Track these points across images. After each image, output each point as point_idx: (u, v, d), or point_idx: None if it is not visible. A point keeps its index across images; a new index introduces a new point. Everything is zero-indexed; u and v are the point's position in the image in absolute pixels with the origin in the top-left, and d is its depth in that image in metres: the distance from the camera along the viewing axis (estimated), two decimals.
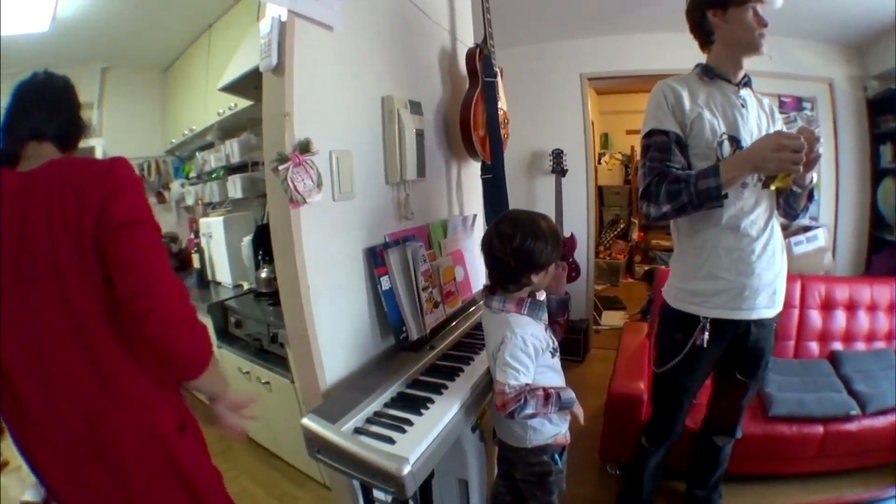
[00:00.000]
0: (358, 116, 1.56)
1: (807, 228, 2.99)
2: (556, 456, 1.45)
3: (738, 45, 1.44)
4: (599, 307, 4.45)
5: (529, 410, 1.25)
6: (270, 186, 1.36)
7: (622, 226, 5.94)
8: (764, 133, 1.46)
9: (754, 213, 1.44)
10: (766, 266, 1.46)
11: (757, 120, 1.49)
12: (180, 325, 0.92)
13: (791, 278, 2.50)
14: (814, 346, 2.55)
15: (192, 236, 3.58)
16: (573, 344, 3.50)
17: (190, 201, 3.70)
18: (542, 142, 3.59)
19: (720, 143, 1.41)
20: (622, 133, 6.29)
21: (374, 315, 1.60)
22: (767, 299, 1.49)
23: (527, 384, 1.26)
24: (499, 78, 2.10)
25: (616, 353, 2.51)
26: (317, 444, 1.16)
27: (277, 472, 2.38)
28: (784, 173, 1.27)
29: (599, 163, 5.87)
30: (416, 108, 1.75)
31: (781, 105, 3.15)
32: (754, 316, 1.49)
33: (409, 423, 1.19)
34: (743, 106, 1.46)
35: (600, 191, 5.97)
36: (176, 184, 3.86)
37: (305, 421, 1.20)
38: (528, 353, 1.27)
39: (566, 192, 3.49)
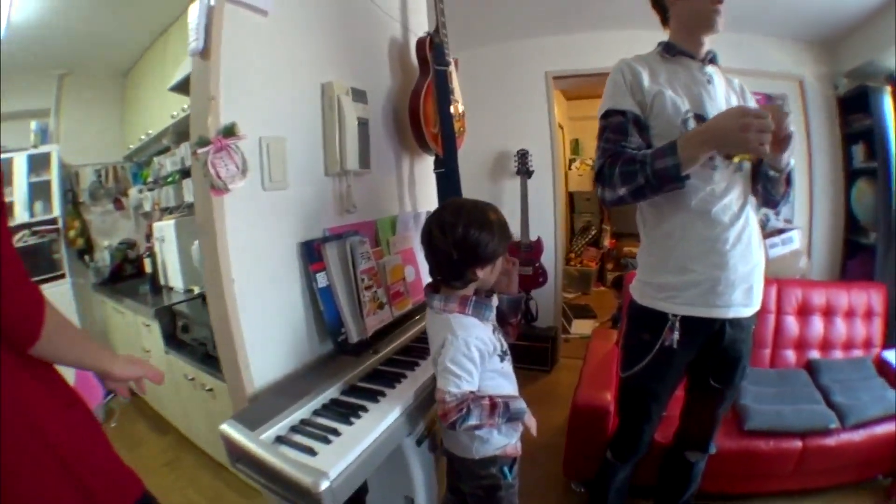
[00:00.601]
0: (295, 103, 1.53)
1: (781, 230, 2.97)
2: (506, 469, 1.37)
3: (692, 21, 1.39)
4: (569, 315, 4.42)
5: (473, 421, 1.18)
6: (195, 174, 1.31)
7: (594, 232, 5.92)
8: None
9: (727, 198, 1.35)
10: (742, 258, 1.37)
11: (726, 97, 1.43)
12: (30, 328, 0.82)
13: (767, 282, 2.49)
14: (790, 355, 2.50)
15: (146, 241, 3.53)
16: (540, 353, 3.45)
17: (147, 207, 3.67)
18: (507, 142, 3.58)
19: (685, 121, 1.34)
20: (593, 138, 6.27)
21: (310, 315, 1.54)
22: (743, 295, 1.39)
23: (470, 392, 1.19)
24: (453, 69, 2.08)
25: (583, 362, 2.46)
26: (235, 453, 1.11)
27: (222, 482, 2.31)
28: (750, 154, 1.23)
29: (570, 168, 5.90)
30: (359, 95, 1.72)
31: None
32: (730, 314, 1.39)
33: (336, 433, 1.12)
34: (709, 82, 1.40)
35: (571, 197, 5.97)
36: (134, 190, 3.84)
37: (223, 427, 1.14)
38: (471, 357, 1.20)
39: (533, 194, 3.47)
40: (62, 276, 3.45)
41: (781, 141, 1.23)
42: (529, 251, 3.44)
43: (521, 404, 1.29)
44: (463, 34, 3.41)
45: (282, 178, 1.44)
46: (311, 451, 1.04)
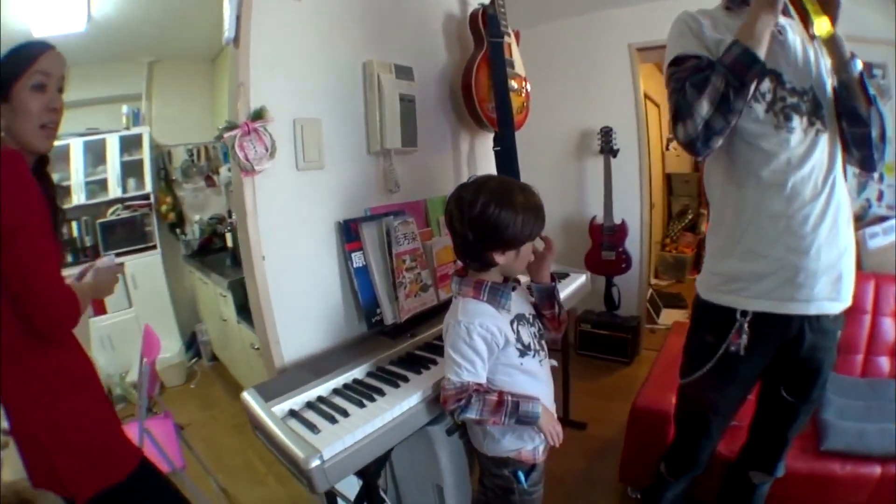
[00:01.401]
0: (334, 83, 1.62)
1: (883, 218, 2.67)
2: (521, 474, 1.33)
3: None
4: (659, 304, 4.22)
5: (472, 414, 1.18)
6: (232, 157, 1.44)
7: (690, 217, 5.59)
8: (814, 65, 1.26)
9: (806, 166, 1.20)
10: (827, 241, 1.21)
11: (803, 51, 1.26)
12: (57, 329, 1.07)
13: (863, 277, 2.26)
14: (885, 363, 2.25)
15: (229, 217, 3.86)
16: (620, 343, 3.34)
17: None
18: (591, 120, 3.47)
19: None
20: None
21: (347, 294, 1.65)
22: (830, 288, 1.23)
23: (472, 382, 1.17)
24: (512, 41, 2.06)
25: (656, 357, 2.37)
26: (252, 421, 1.23)
27: None
28: (804, 9, 1.11)
29: (667, 149, 5.60)
30: (404, 73, 1.76)
31: None
32: (812, 310, 1.23)
33: (346, 414, 1.20)
34: (780, 33, 1.25)
35: (668, 178, 5.70)
36: (224, 168, 4.19)
37: (243, 395, 1.28)
38: (473, 346, 1.17)
39: (618, 174, 3.35)
40: (153, 247, 3.89)
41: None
42: (612, 234, 3.34)
43: (536, 408, 1.22)
44: (542, 7, 3.39)
45: (317, 157, 1.54)
46: (314, 429, 1.12)
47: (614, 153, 3.33)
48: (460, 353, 1.17)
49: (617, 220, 3.35)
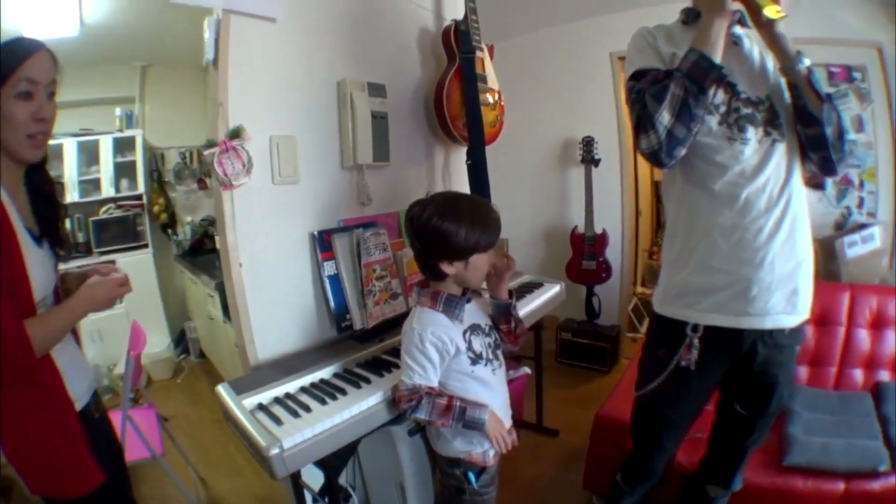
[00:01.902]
0: (309, 101, 1.79)
1: (863, 226, 2.78)
2: (472, 475, 1.44)
3: None
4: (643, 313, 4.37)
5: (421, 415, 1.32)
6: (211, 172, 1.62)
7: None
8: (772, 73, 1.31)
9: (760, 177, 1.23)
10: (782, 252, 1.24)
11: (760, 59, 1.32)
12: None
13: (838, 288, 2.40)
14: (858, 375, 2.31)
15: None
16: (599, 352, 3.49)
17: None
18: (573, 129, 3.63)
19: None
20: None
21: (320, 300, 1.82)
22: (785, 301, 1.26)
23: (423, 385, 1.31)
24: (486, 56, 2.24)
25: (626, 368, 2.51)
26: (224, 412, 1.41)
27: None
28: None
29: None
30: (376, 90, 1.94)
31: (830, 76, 2.95)
32: (767, 324, 1.26)
33: (308, 409, 1.37)
34: (735, 43, 1.30)
35: (657, 186, 5.84)
36: None
37: (218, 388, 1.47)
38: (425, 352, 1.30)
39: (599, 184, 3.49)
40: (145, 245, 4.13)
41: None
42: (593, 244, 3.49)
43: (482, 414, 1.33)
44: (521, 16, 3.57)
45: (292, 173, 1.72)
46: (278, 421, 1.30)
47: (595, 163, 3.48)
48: (413, 358, 1.32)
49: (598, 230, 3.51)
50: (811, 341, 2.36)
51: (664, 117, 1.17)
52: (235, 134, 1.54)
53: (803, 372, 2.38)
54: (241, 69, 1.57)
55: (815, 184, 2.82)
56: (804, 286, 1.29)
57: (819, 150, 1.24)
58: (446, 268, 1.30)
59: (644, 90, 1.22)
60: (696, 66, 1.16)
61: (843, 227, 2.98)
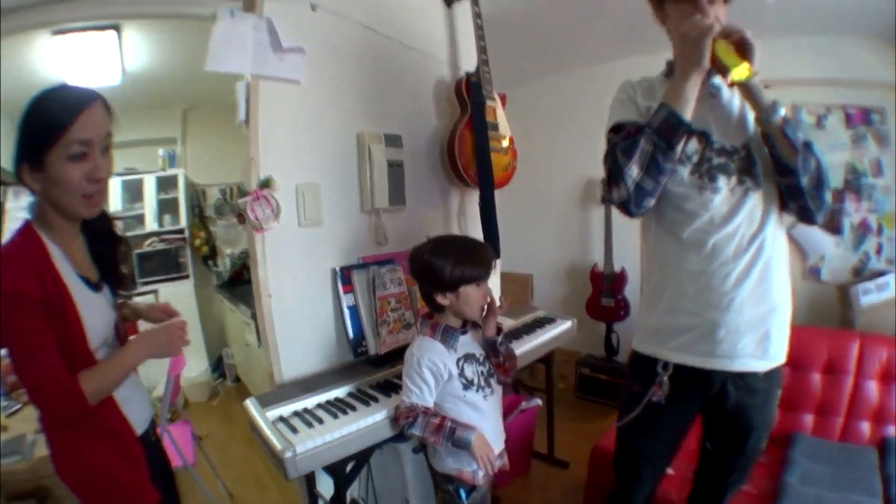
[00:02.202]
0: (330, 152, 2.08)
1: (879, 274, 2.83)
2: (462, 491, 1.62)
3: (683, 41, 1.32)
4: None
5: (416, 431, 1.52)
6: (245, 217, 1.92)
7: None
8: (752, 123, 1.35)
9: (729, 226, 1.29)
10: (752, 298, 1.29)
11: (740, 109, 1.37)
12: (56, 419, 1.18)
13: (848, 336, 2.44)
14: (865, 428, 2.31)
15: None
16: (616, 388, 3.53)
17: None
18: (594, 170, 3.73)
19: (685, 139, 1.29)
20: None
21: (339, 329, 2.08)
22: (755, 345, 1.30)
23: (419, 405, 1.53)
24: (497, 105, 2.51)
25: None
26: (250, 422, 1.67)
27: None
28: (721, 50, 1.22)
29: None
30: (392, 140, 2.23)
31: (848, 119, 3.04)
32: (735, 366, 1.31)
33: (321, 421, 1.62)
34: (713, 95, 1.37)
35: None
36: None
37: (246, 402, 1.73)
38: (421, 375, 1.52)
39: (618, 223, 3.61)
40: (186, 276, 4.53)
41: (738, 45, 1.23)
42: (612, 282, 3.64)
43: (469, 435, 1.50)
44: (541, 61, 3.83)
45: (316, 216, 2.00)
46: (294, 430, 1.55)
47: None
48: (412, 380, 1.54)
49: (617, 268, 3.66)
50: (817, 389, 2.40)
51: (633, 171, 1.26)
52: (265, 184, 1.83)
53: (808, 420, 2.40)
54: (269, 126, 1.86)
55: (832, 228, 2.97)
56: (777, 332, 1.33)
57: (796, 200, 1.29)
58: (440, 299, 1.54)
59: (616, 143, 1.32)
60: (665, 123, 1.24)
61: (862, 273, 3.03)
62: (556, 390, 3.78)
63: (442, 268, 1.49)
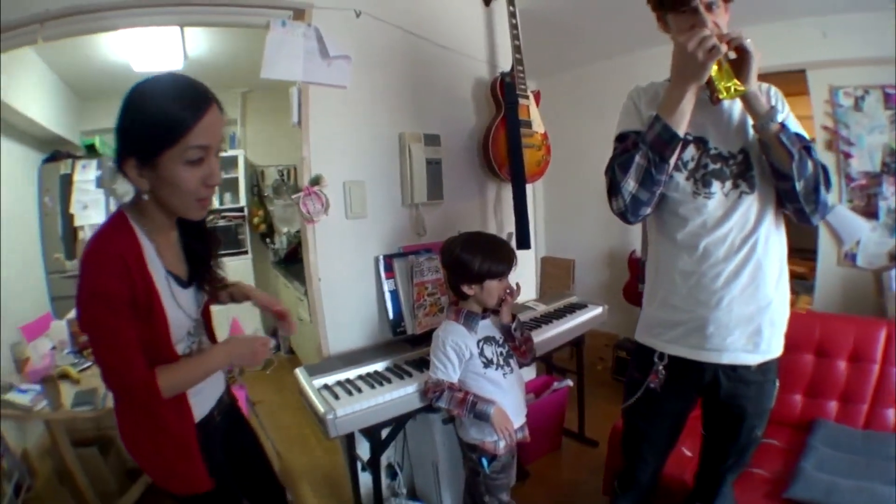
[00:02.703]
0: (375, 151, 2.41)
1: None
2: (484, 460, 1.86)
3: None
4: None
5: (442, 404, 1.79)
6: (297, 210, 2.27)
7: None
8: (748, 128, 1.43)
9: (722, 229, 1.40)
10: (742, 297, 1.40)
11: (739, 113, 1.45)
12: (129, 401, 1.27)
13: (875, 324, 2.47)
14: (890, 416, 2.34)
15: None
16: None
17: None
18: None
19: (682, 147, 1.38)
20: None
21: (382, 310, 2.42)
22: (745, 340, 1.42)
23: (444, 380, 1.79)
24: (531, 103, 2.77)
25: None
26: (299, 388, 2.04)
27: None
28: (714, 72, 1.28)
29: None
30: (431, 140, 2.54)
31: (887, 99, 3.05)
32: (724, 359, 1.44)
33: (360, 390, 1.97)
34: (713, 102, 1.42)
35: None
36: None
37: (297, 370, 2.11)
38: (446, 353, 1.79)
39: None
40: (245, 252, 5.02)
41: (735, 61, 1.29)
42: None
43: (488, 409, 1.75)
44: (580, 49, 4.01)
45: (361, 209, 2.34)
46: (336, 397, 1.91)
47: None
48: (437, 358, 1.83)
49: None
50: (842, 377, 2.44)
51: (629, 185, 1.38)
52: (316, 181, 2.17)
53: (832, 407, 2.46)
54: (319, 128, 2.20)
55: (867, 212, 3.04)
56: (770, 327, 1.43)
57: (791, 202, 1.37)
58: (466, 289, 1.82)
59: (614, 157, 1.46)
60: (658, 138, 1.33)
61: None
62: (594, 372, 4.09)
63: (470, 262, 1.78)
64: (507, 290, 1.87)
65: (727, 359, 1.43)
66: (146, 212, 1.20)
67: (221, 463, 1.42)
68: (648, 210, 1.45)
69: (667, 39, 1.47)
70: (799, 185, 1.32)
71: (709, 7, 1.34)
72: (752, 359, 1.44)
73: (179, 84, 1.13)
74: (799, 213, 1.39)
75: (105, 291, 1.09)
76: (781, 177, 1.35)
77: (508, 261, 1.84)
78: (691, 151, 1.42)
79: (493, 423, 1.77)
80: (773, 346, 1.46)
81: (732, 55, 1.29)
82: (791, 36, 3.07)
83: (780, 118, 1.33)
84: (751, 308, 1.41)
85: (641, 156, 1.36)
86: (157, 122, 1.06)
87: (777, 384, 1.54)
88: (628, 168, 1.39)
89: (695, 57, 1.24)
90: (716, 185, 1.41)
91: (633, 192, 1.39)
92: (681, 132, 1.33)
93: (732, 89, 1.30)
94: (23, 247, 3.79)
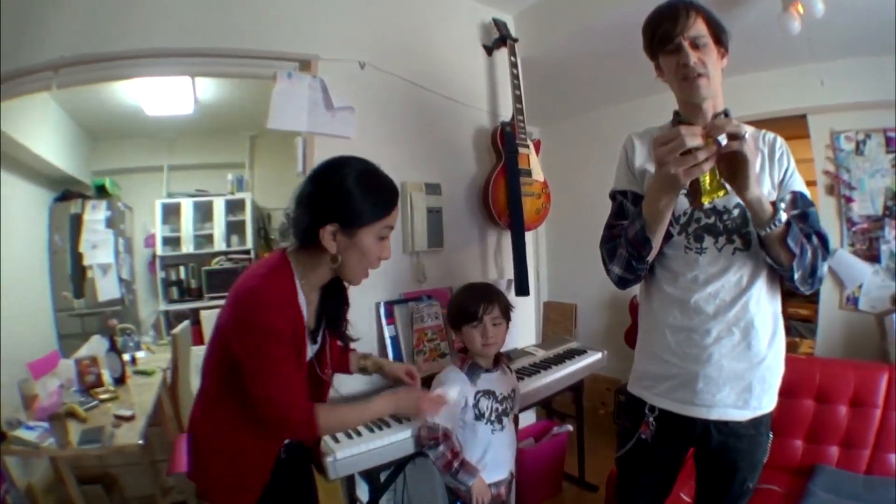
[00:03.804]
0: None
1: None
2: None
3: (676, 90, 1.48)
4: None
5: (432, 456, 1.88)
6: None
7: None
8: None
9: (713, 285, 1.40)
10: (733, 354, 1.40)
11: None
12: (284, 436, 1.47)
13: (877, 369, 2.49)
14: (893, 460, 2.34)
15: None
16: None
17: None
18: None
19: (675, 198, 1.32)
20: None
21: (382, 355, 2.48)
22: (735, 396, 1.41)
23: (440, 426, 1.85)
24: (531, 151, 2.89)
25: None
26: None
27: None
28: (697, 180, 1.18)
29: None
30: (432, 189, 2.66)
31: (888, 143, 3.10)
32: (713, 415, 1.43)
33: (359, 434, 2.03)
34: None
35: None
36: None
37: None
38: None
39: None
40: None
41: (729, 162, 1.17)
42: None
43: (468, 480, 1.85)
44: (581, 97, 4.13)
45: None
46: (336, 440, 1.96)
47: None
48: None
49: None
50: (843, 422, 2.46)
51: (615, 269, 1.46)
52: None
53: (833, 452, 2.47)
54: None
55: (870, 256, 3.10)
56: (761, 384, 1.42)
57: (788, 281, 1.39)
58: (456, 338, 1.99)
59: (604, 238, 1.53)
60: (637, 237, 1.35)
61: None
62: (595, 416, 4.14)
63: (450, 311, 1.97)
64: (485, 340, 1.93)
65: (716, 415, 1.42)
66: (309, 271, 1.38)
67: (274, 495, 1.50)
68: (638, 281, 1.52)
69: (664, 86, 1.52)
70: (797, 276, 1.33)
71: (694, 44, 1.36)
72: (742, 415, 1.43)
73: (384, 175, 1.41)
74: (793, 286, 1.40)
75: (274, 324, 1.24)
76: (779, 266, 1.35)
77: (475, 306, 1.92)
78: (684, 205, 1.40)
79: (473, 491, 1.87)
80: (763, 403, 1.45)
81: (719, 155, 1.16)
82: (791, 81, 3.17)
83: (783, 214, 1.26)
84: (742, 365, 1.40)
85: (623, 247, 1.41)
86: (372, 196, 1.31)
87: (770, 437, 1.54)
88: (612, 257, 1.46)
89: (669, 173, 1.15)
90: (708, 240, 1.41)
91: (619, 275, 1.46)
92: (655, 239, 1.34)
93: (719, 195, 1.22)
94: (32, 284, 3.88)
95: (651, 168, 1.41)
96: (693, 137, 1.11)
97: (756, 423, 1.46)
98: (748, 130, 1.41)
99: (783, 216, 1.25)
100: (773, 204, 1.27)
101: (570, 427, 3.13)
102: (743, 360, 1.40)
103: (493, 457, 1.96)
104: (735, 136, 1.13)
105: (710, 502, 1.64)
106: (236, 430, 1.40)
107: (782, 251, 1.29)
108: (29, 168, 3.87)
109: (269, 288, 1.28)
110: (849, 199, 3.22)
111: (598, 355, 3.04)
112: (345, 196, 1.30)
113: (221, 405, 1.42)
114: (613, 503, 2.40)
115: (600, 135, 4.26)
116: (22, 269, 3.57)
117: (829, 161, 3.26)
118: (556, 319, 4.67)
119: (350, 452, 1.92)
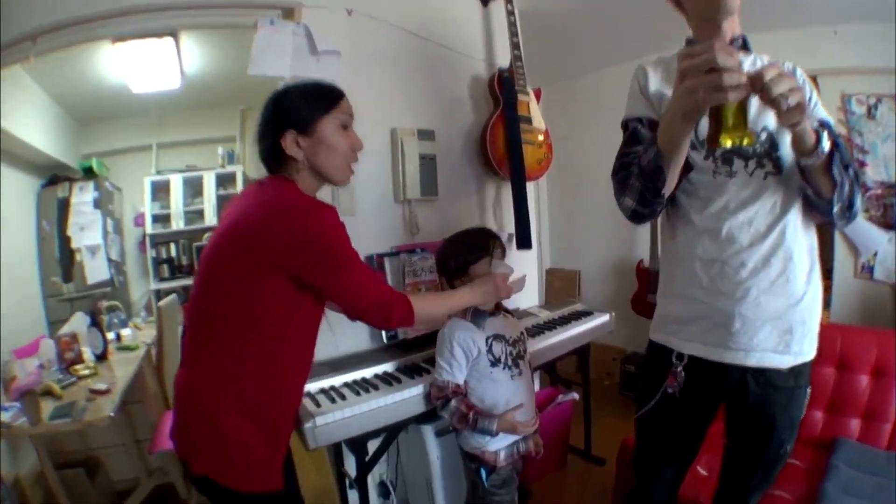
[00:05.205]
0: (366, 147, 2.21)
1: None
2: (483, 471, 1.74)
3: (699, 7, 1.30)
4: None
5: (445, 415, 1.70)
6: None
7: None
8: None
9: (747, 212, 1.23)
10: (771, 289, 1.22)
11: None
12: (396, 326, 1.50)
13: None
14: None
15: None
16: None
17: None
18: None
19: (697, 122, 1.15)
20: None
21: None
22: (777, 339, 1.23)
23: (450, 382, 1.69)
24: (531, 99, 2.63)
25: None
26: None
27: None
28: (719, 108, 0.93)
29: None
30: (426, 135, 2.40)
31: None
32: (751, 361, 1.25)
33: (344, 398, 1.79)
34: None
35: None
36: None
37: None
38: (452, 352, 1.69)
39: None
40: None
41: (776, 97, 0.93)
42: (657, 278, 3.64)
43: (491, 426, 1.65)
44: (583, 56, 3.93)
45: (350, 206, 2.18)
46: (317, 405, 1.73)
47: None
48: (443, 358, 1.71)
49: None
50: (865, 393, 2.28)
51: (627, 202, 1.26)
52: None
53: (854, 425, 2.30)
54: None
55: (884, 223, 2.89)
56: (802, 326, 1.25)
57: (822, 215, 1.24)
58: (457, 283, 1.75)
59: (616, 168, 1.31)
60: (650, 165, 1.16)
61: None
62: (601, 387, 3.90)
63: (449, 257, 1.77)
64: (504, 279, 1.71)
65: (755, 360, 1.24)
66: (297, 182, 1.31)
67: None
68: (653, 217, 1.30)
69: (671, 44, 1.36)
70: (836, 208, 1.18)
71: None
72: (783, 360, 1.25)
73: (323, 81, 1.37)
74: (827, 221, 1.24)
75: (336, 222, 1.24)
76: (817, 196, 1.19)
77: (484, 243, 1.77)
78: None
79: (504, 429, 1.68)
80: (805, 348, 1.27)
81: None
82: (803, 42, 2.99)
83: (826, 142, 1.09)
84: (781, 303, 1.23)
85: (636, 178, 1.21)
86: (313, 95, 1.30)
87: (809, 391, 1.35)
88: (624, 188, 1.26)
89: (689, 88, 0.94)
90: (738, 164, 1.25)
91: (632, 209, 1.26)
92: (669, 170, 1.14)
93: (742, 138, 0.95)
94: (21, 273, 3.71)
95: (668, 92, 1.26)
96: (727, 56, 0.89)
97: (797, 372, 1.28)
98: (766, 59, 1.31)
99: (826, 145, 1.10)
100: (816, 132, 1.09)
101: (575, 395, 2.86)
102: (781, 298, 1.23)
103: (518, 400, 1.74)
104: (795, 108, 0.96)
105: (742, 468, 1.44)
106: (251, 375, 1.25)
107: (826, 181, 1.14)
108: (15, 156, 3.71)
109: (305, 198, 1.25)
110: (862, 164, 3.06)
111: (606, 317, 2.80)
112: (288, 103, 1.29)
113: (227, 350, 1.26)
114: (623, 478, 2.35)
115: (601, 96, 4.03)
116: (10, 258, 3.39)
117: (840, 124, 3.08)
118: (560, 287, 4.42)
119: (332, 418, 1.68)
